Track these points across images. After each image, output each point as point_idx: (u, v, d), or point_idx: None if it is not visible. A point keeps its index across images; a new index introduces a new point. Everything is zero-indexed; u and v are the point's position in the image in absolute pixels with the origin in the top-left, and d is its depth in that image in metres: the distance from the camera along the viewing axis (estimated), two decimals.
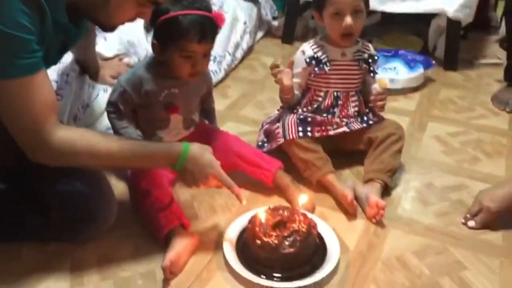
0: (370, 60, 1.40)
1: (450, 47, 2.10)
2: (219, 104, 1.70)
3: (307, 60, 1.37)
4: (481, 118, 1.76)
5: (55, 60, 1.17)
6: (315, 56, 1.36)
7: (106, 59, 1.72)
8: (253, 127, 1.62)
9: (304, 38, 2.48)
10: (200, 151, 1.08)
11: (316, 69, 1.36)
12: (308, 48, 1.38)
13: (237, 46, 2.17)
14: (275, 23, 2.50)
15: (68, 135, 0.96)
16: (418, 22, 2.37)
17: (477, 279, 1.09)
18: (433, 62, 2.01)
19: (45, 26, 0.93)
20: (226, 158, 1.32)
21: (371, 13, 2.33)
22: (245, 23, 2.27)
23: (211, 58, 2.03)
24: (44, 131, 0.93)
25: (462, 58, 2.18)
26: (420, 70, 1.95)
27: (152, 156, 1.06)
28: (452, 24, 2.03)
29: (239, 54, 2.17)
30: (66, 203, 1.09)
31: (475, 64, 2.19)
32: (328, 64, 1.36)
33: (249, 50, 2.30)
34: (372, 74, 1.43)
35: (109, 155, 1.00)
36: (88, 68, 1.58)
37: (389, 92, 1.88)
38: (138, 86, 1.24)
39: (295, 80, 1.38)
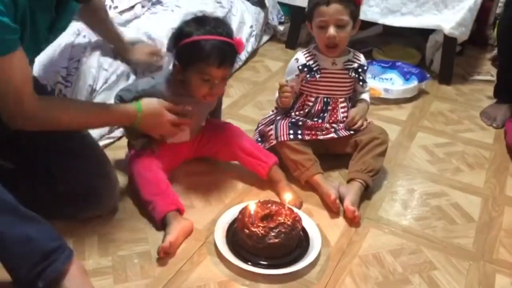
0: (359, 70, 1.50)
1: (445, 62, 2.19)
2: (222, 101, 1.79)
3: (300, 67, 1.46)
4: (468, 131, 1.85)
5: (47, 38, 1.20)
6: (307, 64, 1.46)
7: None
8: (251, 125, 1.71)
9: (307, 44, 2.56)
10: (149, 104, 1.26)
11: (307, 76, 1.46)
12: (301, 56, 1.49)
13: None
14: (281, 28, 2.59)
15: (44, 103, 1.09)
16: (418, 36, 2.47)
17: (445, 278, 1.18)
18: (428, 75, 2.10)
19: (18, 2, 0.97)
20: (227, 147, 1.44)
21: (373, 24, 2.42)
22: (251, 26, 2.36)
23: None
24: (22, 102, 1.03)
25: (457, 73, 2.27)
26: (414, 83, 2.04)
27: (115, 116, 1.26)
28: (448, 40, 2.12)
29: (243, 56, 2.27)
30: (71, 179, 1.19)
31: (469, 79, 2.27)
32: (318, 72, 1.46)
33: (254, 52, 2.39)
34: (361, 83, 1.52)
35: (80, 115, 1.18)
36: (115, 48, 1.68)
37: (383, 101, 2.00)
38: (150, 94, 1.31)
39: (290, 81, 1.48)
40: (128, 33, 1.82)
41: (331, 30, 1.39)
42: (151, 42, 1.83)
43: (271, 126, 1.50)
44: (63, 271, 0.98)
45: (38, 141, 1.13)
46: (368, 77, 2.05)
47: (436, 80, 2.22)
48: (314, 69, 1.46)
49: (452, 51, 2.17)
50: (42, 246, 0.96)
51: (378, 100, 1.99)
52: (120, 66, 1.70)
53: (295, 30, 2.48)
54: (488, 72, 2.31)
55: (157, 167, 1.31)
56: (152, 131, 1.31)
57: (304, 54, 1.49)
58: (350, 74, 1.49)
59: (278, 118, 1.51)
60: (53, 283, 0.97)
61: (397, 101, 2.02)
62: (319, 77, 1.46)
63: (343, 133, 1.48)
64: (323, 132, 1.48)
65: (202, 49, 1.21)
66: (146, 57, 1.72)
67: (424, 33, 2.32)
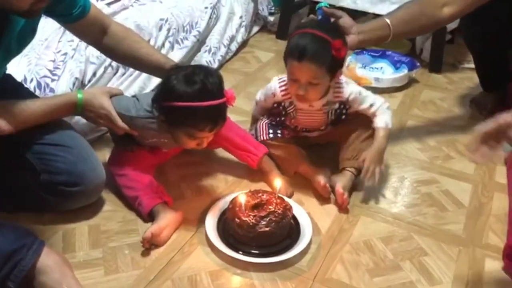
0: (342, 106, 1.39)
1: (435, 51, 2.19)
2: None
3: (275, 105, 1.41)
4: (458, 119, 1.86)
5: None
6: (283, 104, 1.40)
7: None
8: (242, 117, 1.70)
9: None
10: (92, 96, 1.22)
11: (283, 112, 1.41)
12: (278, 91, 1.38)
13: (232, 39, 2.25)
14: (271, 18, 2.58)
15: None
16: None
17: (435, 264, 1.19)
18: (418, 64, 2.10)
19: None
20: (215, 141, 1.42)
21: (364, 14, 2.41)
22: (241, 17, 2.35)
23: (207, 49, 2.12)
24: None
25: (447, 61, 2.27)
26: (404, 71, 2.04)
27: (56, 110, 1.19)
28: (438, 28, 2.12)
29: (233, 47, 2.26)
30: (51, 167, 1.18)
31: (459, 68, 2.28)
32: (294, 114, 1.40)
33: (244, 43, 2.38)
34: (343, 117, 1.41)
35: (25, 116, 1.13)
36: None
37: (374, 91, 1.99)
38: (128, 125, 1.26)
39: (258, 109, 1.49)
40: None
41: (301, 91, 1.26)
42: (138, 32, 1.82)
43: (254, 125, 1.49)
44: (32, 268, 0.96)
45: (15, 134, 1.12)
46: (359, 66, 2.06)
47: (426, 69, 2.22)
48: (290, 111, 1.39)
49: (442, 39, 2.17)
50: (3, 249, 0.94)
51: (369, 90, 1.98)
52: (107, 58, 1.68)
53: (285, 20, 2.47)
54: None
55: (136, 163, 1.30)
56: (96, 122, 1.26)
57: (281, 89, 1.37)
58: (329, 116, 1.40)
59: (261, 118, 1.48)
60: (25, 281, 0.96)
61: (388, 90, 2.02)
62: (296, 116, 1.41)
63: (327, 129, 1.46)
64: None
65: (193, 117, 1.13)
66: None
67: None
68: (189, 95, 1.13)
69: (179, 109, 1.14)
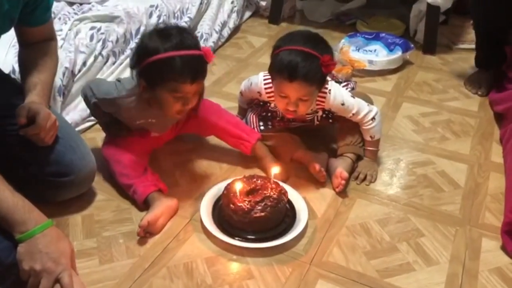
0: (327, 112, 1.40)
1: (429, 32, 2.17)
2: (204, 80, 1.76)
3: (262, 103, 1.42)
4: (453, 100, 1.85)
5: None
6: (268, 104, 1.41)
7: None
8: (235, 103, 1.68)
9: (291, 19, 2.55)
10: (57, 237, 0.97)
11: (269, 108, 1.41)
12: (263, 92, 1.38)
13: (224, 24, 2.22)
14: (263, 3, 2.55)
15: None
16: (401, 7, 2.45)
17: (432, 244, 1.18)
18: (412, 45, 2.08)
19: None
20: (206, 130, 1.42)
21: None
22: (232, 2, 2.32)
23: (198, 35, 2.09)
24: None
25: (441, 42, 2.25)
26: (398, 53, 2.02)
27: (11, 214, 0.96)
28: (431, 9, 2.10)
29: (225, 33, 2.23)
30: (40, 158, 1.15)
31: (453, 48, 2.26)
32: (280, 113, 1.40)
33: (236, 29, 2.35)
34: (330, 121, 1.43)
35: None
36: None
37: (368, 73, 1.98)
38: (113, 110, 1.27)
39: (244, 100, 1.49)
40: (105, 11, 1.78)
41: (291, 107, 1.26)
42: (128, 20, 1.80)
43: (244, 119, 1.48)
44: None
45: None
46: (352, 49, 2.04)
47: (420, 50, 2.20)
48: (275, 109, 1.40)
49: (435, 20, 2.15)
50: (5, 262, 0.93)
51: (363, 72, 1.97)
52: (97, 47, 1.66)
53: (277, 4, 2.44)
54: (472, 41, 2.26)
55: (131, 150, 1.28)
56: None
57: (267, 91, 1.36)
58: (315, 122, 1.43)
59: (250, 109, 1.48)
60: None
61: (382, 73, 2.00)
62: (281, 114, 1.40)
63: (318, 120, 1.44)
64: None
65: (172, 67, 1.11)
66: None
67: (407, 3, 2.30)
68: (165, 48, 1.11)
69: (157, 63, 1.12)
